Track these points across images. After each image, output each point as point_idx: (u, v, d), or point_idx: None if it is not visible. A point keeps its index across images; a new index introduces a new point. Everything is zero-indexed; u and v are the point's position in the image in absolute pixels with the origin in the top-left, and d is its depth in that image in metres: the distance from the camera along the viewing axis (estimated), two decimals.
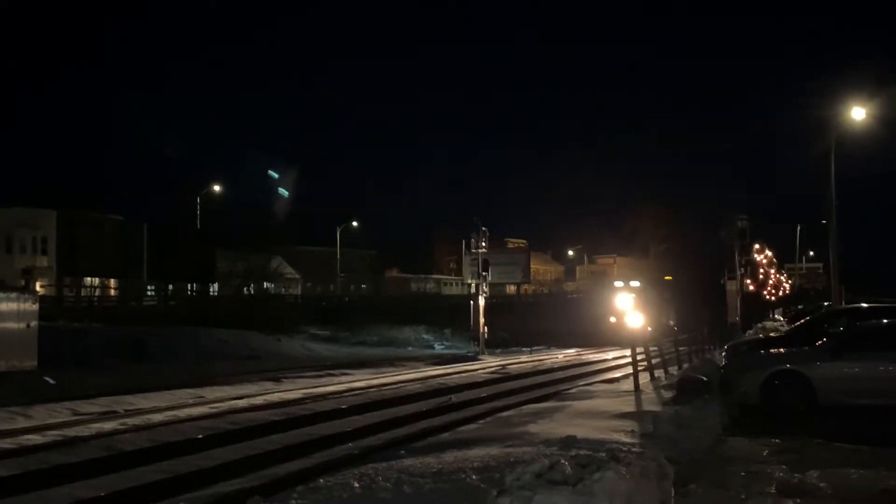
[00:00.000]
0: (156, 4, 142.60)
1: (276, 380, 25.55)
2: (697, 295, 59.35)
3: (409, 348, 48.37)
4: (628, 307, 56.65)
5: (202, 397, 20.57)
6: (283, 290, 72.75)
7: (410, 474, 7.87)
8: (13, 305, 26.18)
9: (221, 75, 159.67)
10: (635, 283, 66.61)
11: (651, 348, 22.32)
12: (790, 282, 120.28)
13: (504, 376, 26.54)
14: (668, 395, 16.73)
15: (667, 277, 69.79)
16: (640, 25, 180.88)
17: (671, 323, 44.53)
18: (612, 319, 56.21)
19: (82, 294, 58.41)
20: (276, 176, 62.75)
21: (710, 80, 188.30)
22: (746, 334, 35.24)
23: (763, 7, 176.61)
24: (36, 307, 27.24)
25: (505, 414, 15.00)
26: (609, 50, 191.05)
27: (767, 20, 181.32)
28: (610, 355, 37.61)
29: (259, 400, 19.98)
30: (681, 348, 24.91)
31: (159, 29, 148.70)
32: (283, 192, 61.72)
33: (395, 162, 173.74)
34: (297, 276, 79.51)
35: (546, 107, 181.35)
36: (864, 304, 24.28)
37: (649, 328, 49.21)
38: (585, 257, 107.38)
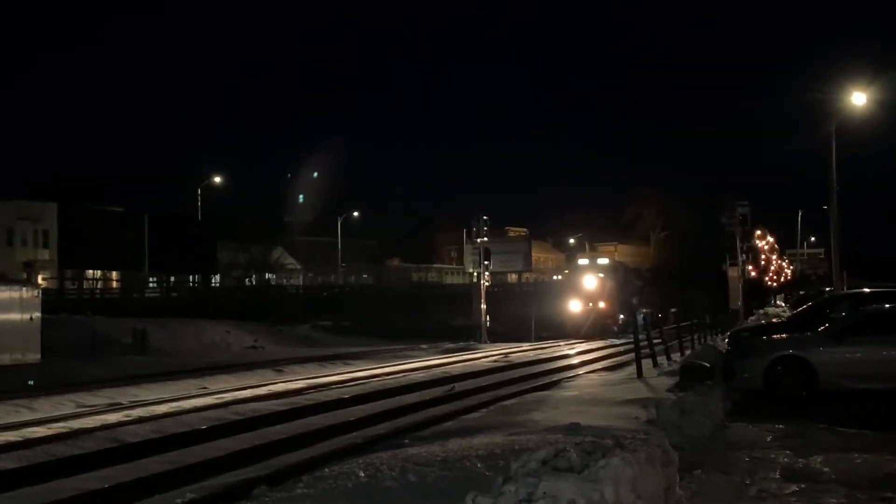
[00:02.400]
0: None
1: (279, 370, 25.60)
2: (699, 281, 58.42)
3: (411, 337, 48.30)
4: (596, 291, 44.65)
5: (206, 388, 20.63)
6: (284, 280, 72.78)
7: (415, 463, 7.87)
8: (16, 297, 26.21)
9: (225, 67, 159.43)
10: (603, 261, 53.51)
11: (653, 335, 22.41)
12: (792, 267, 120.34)
13: (506, 365, 26.55)
14: (670, 381, 16.78)
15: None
16: (639, 6, 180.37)
17: (672, 310, 43.78)
18: (576, 306, 45.20)
19: (84, 286, 58.62)
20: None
21: (711, 64, 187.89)
22: (748, 320, 35.32)
23: None
24: (38, 299, 27.23)
25: (508, 402, 15.05)
26: (608, 36, 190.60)
27: (771, 3, 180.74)
28: (610, 343, 37.54)
29: (263, 390, 20.01)
30: (682, 335, 24.93)
31: (164, 19, 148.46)
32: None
33: (395, 152, 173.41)
34: (298, 267, 79.51)
35: (545, 96, 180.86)
36: (866, 289, 24.30)
37: (622, 316, 44.22)
38: (586, 245, 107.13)
